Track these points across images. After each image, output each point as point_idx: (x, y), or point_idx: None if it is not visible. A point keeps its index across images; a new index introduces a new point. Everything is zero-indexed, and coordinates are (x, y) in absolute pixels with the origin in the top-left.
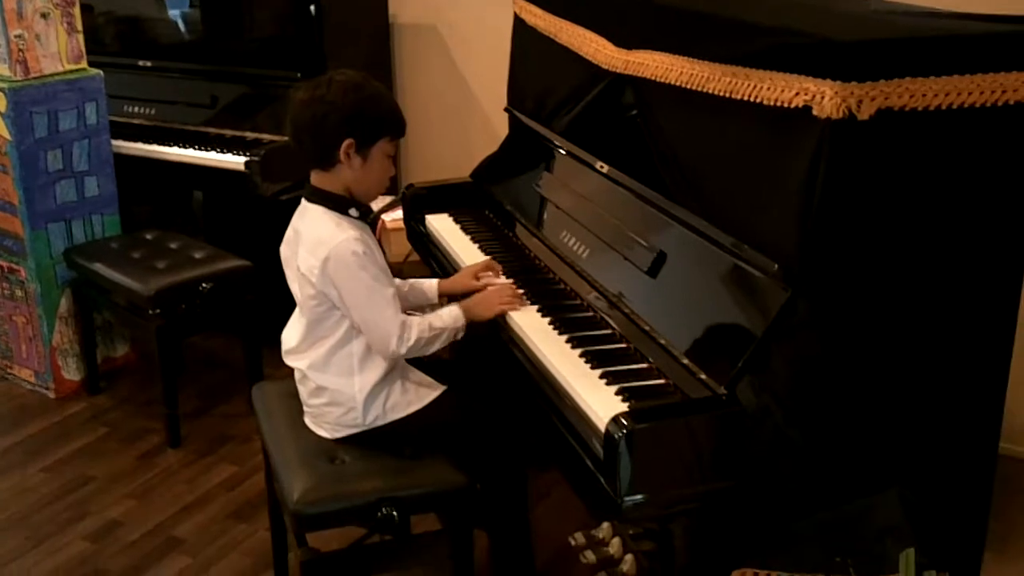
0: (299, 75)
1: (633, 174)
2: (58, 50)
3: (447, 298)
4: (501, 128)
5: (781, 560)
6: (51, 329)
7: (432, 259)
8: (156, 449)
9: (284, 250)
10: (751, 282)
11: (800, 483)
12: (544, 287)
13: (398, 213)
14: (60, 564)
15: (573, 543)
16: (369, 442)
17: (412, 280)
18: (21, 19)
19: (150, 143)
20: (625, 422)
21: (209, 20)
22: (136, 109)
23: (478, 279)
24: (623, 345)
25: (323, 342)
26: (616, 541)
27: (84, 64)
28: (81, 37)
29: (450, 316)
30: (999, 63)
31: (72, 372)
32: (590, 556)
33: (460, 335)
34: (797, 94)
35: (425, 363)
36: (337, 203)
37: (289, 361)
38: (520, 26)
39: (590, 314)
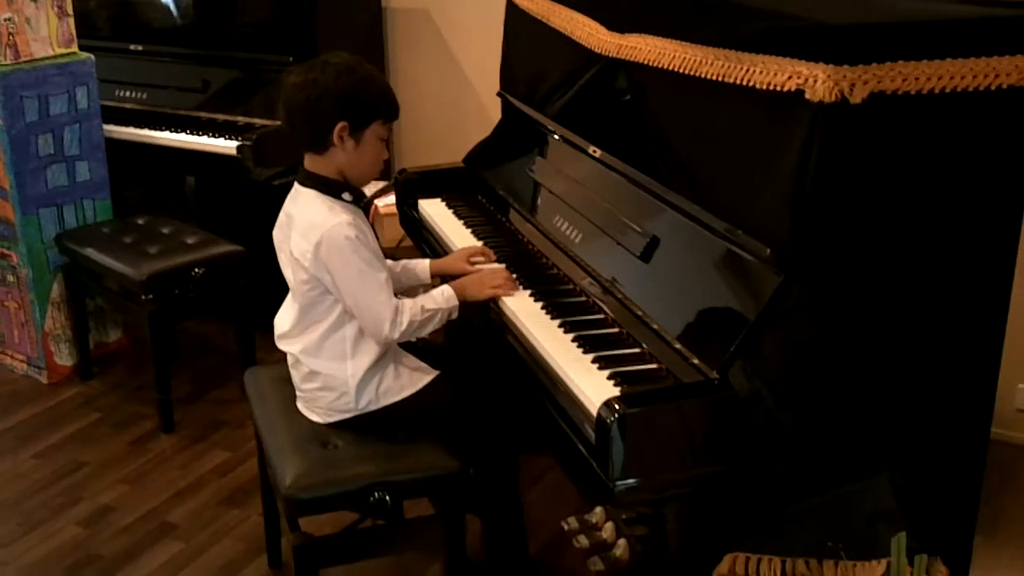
0: (291, 59)
1: (626, 159)
2: (48, 34)
3: (439, 279)
4: (494, 112)
5: (773, 544)
6: (43, 314)
7: (425, 244)
8: (149, 435)
9: (277, 234)
10: (744, 267)
11: (792, 467)
12: (537, 272)
13: (391, 198)
14: (52, 549)
15: (566, 528)
16: (362, 427)
17: (404, 261)
18: (11, 3)
19: (142, 127)
20: (617, 406)
21: (200, 4)
22: (128, 93)
23: (471, 263)
24: (616, 330)
25: (316, 327)
26: (609, 526)
27: (75, 48)
28: (72, 21)
29: (442, 297)
30: (992, 47)
31: (64, 357)
32: (583, 541)
33: (454, 315)
34: (790, 77)
35: (418, 348)
36: (330, 187)
37: (282, 346)
38: (512, 10)
39: (583, 299)
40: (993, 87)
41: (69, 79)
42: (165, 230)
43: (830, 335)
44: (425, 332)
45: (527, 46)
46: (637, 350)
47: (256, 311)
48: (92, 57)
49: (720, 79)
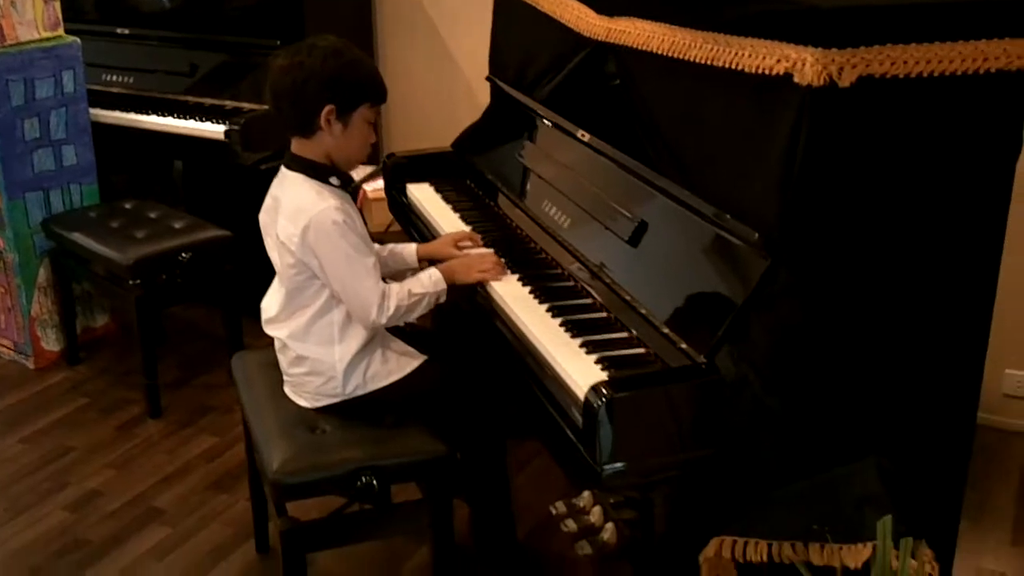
0: (279, 43)
1: (615, 143)
2: (34, 17)
3: (427, 263)
4: (483, 97)
5: (760, 528)
6: (29, 300)
7: (413, 229)
8: (136, 420)
9: (263, 217)
10: (732, 251)
11: (779, 451)
12: (525, 256)
13: (379, 183)
14: (39, 534)
15: (554, 512)
16: (349, 411)
17: (391, 245)
18: None
19: (129, 112)
20: (604, 391)
21: None
22: (114, 77)
23: (458, 248)
24: (604, 314)
25: (303, 311)
26: (597, 510)
27: (61, 32)
28: (58, 4)
29: (430, 280)
30: (980, 31)
31: (51, 343)
32: (571, 525)
33: (442, 299)
34: (778, 61)
35: (406, 332)
36: (318, 171)
37: (269, 330)
38: None
39: (571, 283)
40: (981, 71)
41: (55, 63)
42: (152, 214)
43: (818, 319)
44: (413, 317)
45: (516, 30)
46: (625, 335)
47: (244, 296)
48: (78, 40)
49: (709, 63)
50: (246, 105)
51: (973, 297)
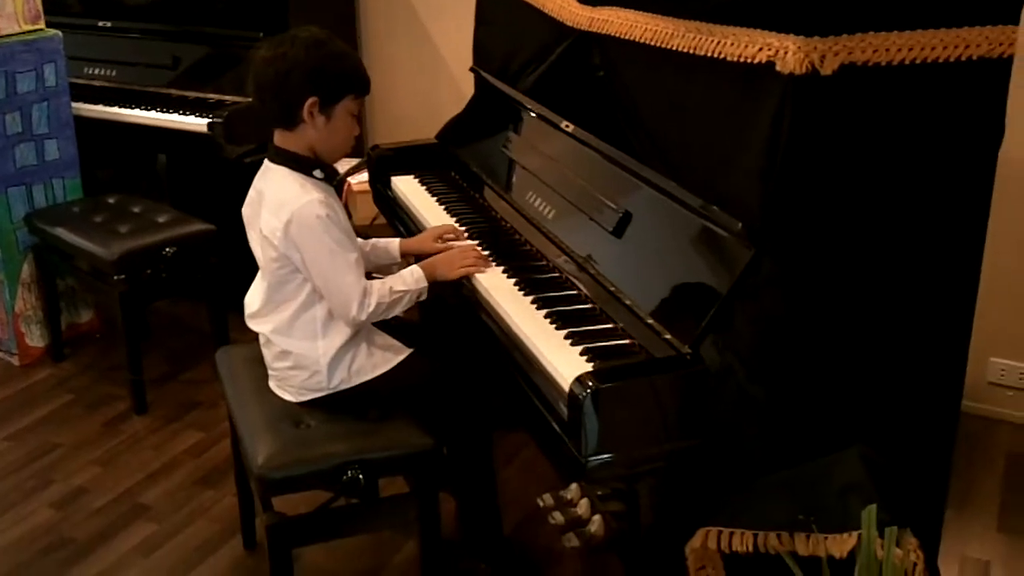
0: (262, 35)
1: (599, 133)
2: (14, 10)
3: (413, 258)
4: (468, 88)
5: (745, 518)
6: (13, 296)
7: (398, 221)
8: (122, 416)
9: (246, 211)
10: (716, 241)
11: (763, 441)
12: (510, 248)
13: (364, 176)
14: (25, 532)
15: (541, 504)
16: (334, 405)
17: (374, 240)
18: None
19: (111, 105)
20: (589, 382)
21: None
22: (97, 71)
23: (442, 241)
24: (589, 306)
25: (287, 305)
26: (584, 502)
27: (42, 25)
28: None
29: (412, 277)
30: (962, 18)
31: (36, 339)
32: (558, 517)
33: (423, 296)
34: (760, 49)
35: (391, 325)
36: (301, 164)
37: (252, 325)
38: None
39: (556, 275)
40: (963, 58)
41: (36, 56)
42: (136, 209)
43: (801, 309)
44: (394, 313)
45: (499, 20)
46: (610, 326)
47: (229, 290)
48: (60, 34)
49: (691, 52)
50: (229, 98)
51: (957, 285)
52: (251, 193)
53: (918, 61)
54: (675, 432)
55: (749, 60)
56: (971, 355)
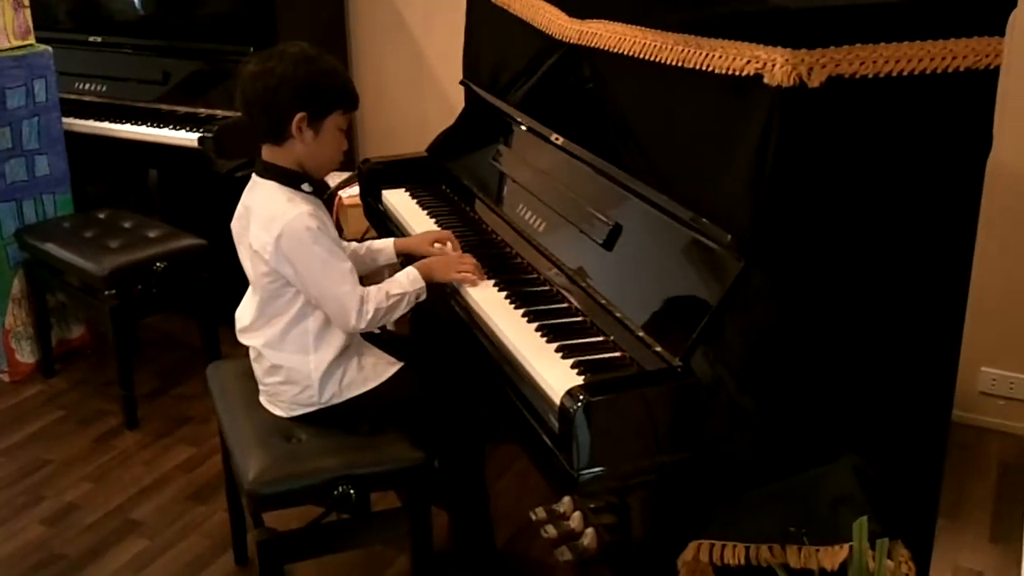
0: (252, 49)
1: (588, 146)
2: (4, 26)
3: (404, 258)
4: (458, 101)
5: (737, 531)
6: (3, 311)
7: (389, 235)
8: (113, 431)
9: (235, 226)
10: (705, 253)
11: (755, 453)
12: (501, 261)
13: (355, 190)
14: (16, 549)
15: (534, 518)
16: (325, 420)
17: (368, 242)
18: None
19: (102, 120)
20: (580, 395)
21: None
22: (87, 86)
23: (437, 247)
24: (579, 318)
25: (277, 320)
26: (577, 515)
27: (32, 40)
28: (28, 12)
29: (408, 279)
30: (948, 30)
31: (26, 355)
32: (551, 530)
33: (422, 297)
34: (748, 62)
35: (382, 339)
36: (289, 178)
37: (243, 339)
38: None
39: (547, 288)
40: (951, 69)
41: (26, 71)
42: (127, 224)
43: (792, 320)
44: (393, 318)
45: (489, 34)
46: (601, 338)
47: (220, 305)
48: (50, 49)
49: (680, 64)
50: (220, 112)
51: (946, 295)
52: (239, 208)
53: (905, 73)
54: (666, 445)
55: (737, 73)
56: (962, 365)
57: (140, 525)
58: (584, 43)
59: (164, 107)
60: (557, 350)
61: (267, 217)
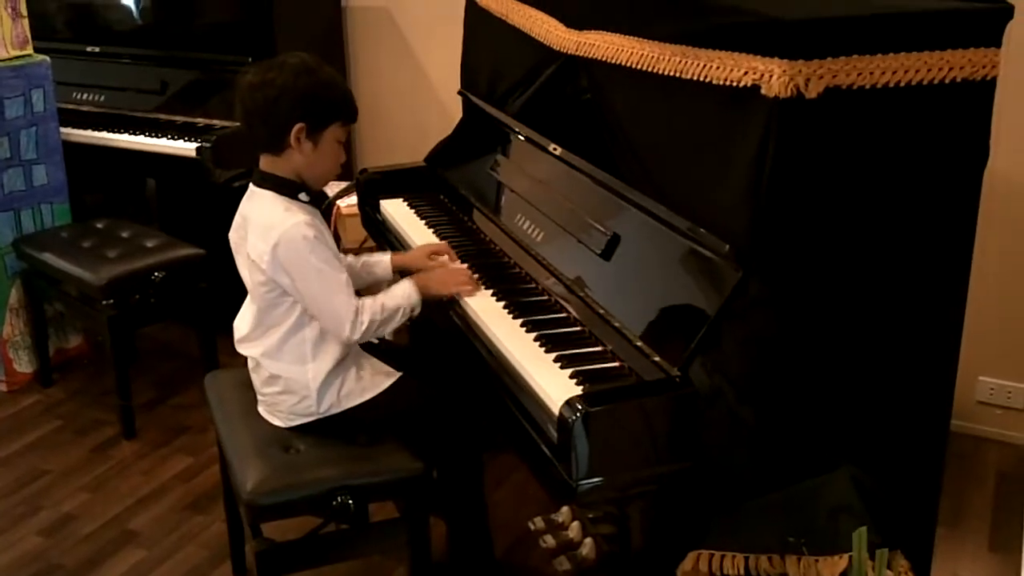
0: (250, 59)
1: (586, 156)
2: (2, 35)
3: (399, 274)
4: (455, 111)
5: (736, 541)
6: (1, 321)
7: (387, 245)
8: (110, 441)
9: (233, 236)
10: (703, 263)
11: (753, 463)
12: (499, 271)
13: (353, 199)
14: (12, 560)
15: (532, 528)
16: (324, 430)
17: (364, 256)
18: None
19: (100, 130)
20: (579, 405)
21: (158, 5)
22: (85, 96)
23: (433, 259)
24: (578, 328)
25: (275, 330)
26: (576, 525)
27: (30, 50)
28: (26, 22)
29: (403, 293)
30: (945, 41)
31: (24, 365)
32: (550, 540)
33: (416, 312)
34: (746, 73)
35: (380, 349)
36: (287, 188)
37: (241, 349)
38: (472, 7)
39: (545, 298)
40: (947, 80)
41: (24, 81)
42: (124, 234)
43: (790, 330)
44: (388, 330)
45: (487, 44)
46: (599, 348)
47: (218, 315)
48: (48, 59)
49: (677, 75)
50: (218, 122)
51: (944, 305)
52: (237, 218)
53: (902, 84)
54: (665, 455)
55: (735, 83)
56: (960, 374)
57: (138, 535)
58: (582, 54)
59: (162, 117)
60: (556, 360)
61: (264, 226)
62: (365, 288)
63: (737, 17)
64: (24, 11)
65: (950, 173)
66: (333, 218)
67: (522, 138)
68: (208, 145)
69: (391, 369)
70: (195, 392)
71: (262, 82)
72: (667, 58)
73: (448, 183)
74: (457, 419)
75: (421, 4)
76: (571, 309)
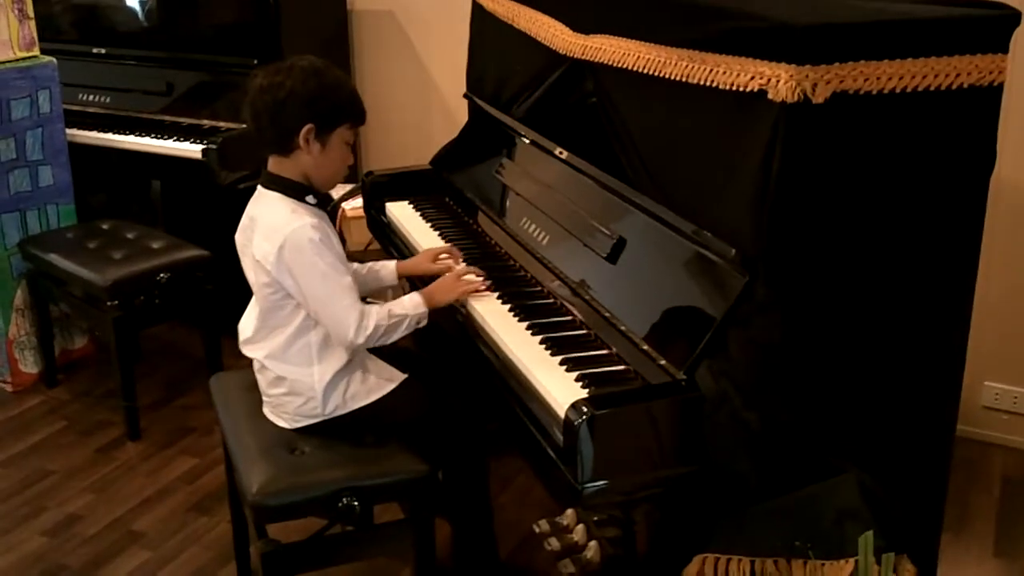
0: (256, 62)
1: (592, 160)
2: (9, 37)
3: (406, 280)
4: (461, 114)
5: (742, 545)
6: (7, 322)
7: (392, 247)
8: (115, 442)
9: (239, 237)
10: (709, 267)
11: (759, 467)
12: (505, 274)
13: (358, 201)
14: (17, 560)
15: (537, 530)
16: (329, 432)
17: (370, 263)
18: None
19: (106, 131)
20: (585, 408)
21: (164, 6)
22: (91, 97)
23: (437, 262)
24: (583, 332)
25: (280, 331)
26: (580, 528)
27: (36, 51)
28: (33, 24)
29: (411, 303)
30: (952, 47)
31: (29, 365)
32: (554, 543)
33: (422, 323)
34: (752, 78)
35: (386, 352)
36: (294, 189)
37: (246, 351)
38: (478, 11)
39: (551, 301)
40: (954, 86)
41: (31, 83)
42: (130, 235)
43: (795, 334)
44: (393, 338)
45: (493, 48)
46: (605, 352)
47: (223, 316)
48: (54, 60)
49: (684, 79)
50: (223, 124)
51: (950, 310)
52: (244, 219)
53: (909, 89)
54: (671, 458)
55: (741, 88)
56: (966, 379)
57: (142, 537)
58: (588, 58)
59: (168, 119)
60: (561, 363)
61: (270, 227)
62: (371, 294)
63: (744, 22)
64: (31, 13)
65: (956, 179)
66: (338, 220)
67: (528, 141)
68: (214, 147)
69: (397, 371)
70: (200, 393)
71: (271, 84)
72: (674, 62)
73: (454, 186)
74: (462, 421)
75: (427, 7)
76: (576, 312)
